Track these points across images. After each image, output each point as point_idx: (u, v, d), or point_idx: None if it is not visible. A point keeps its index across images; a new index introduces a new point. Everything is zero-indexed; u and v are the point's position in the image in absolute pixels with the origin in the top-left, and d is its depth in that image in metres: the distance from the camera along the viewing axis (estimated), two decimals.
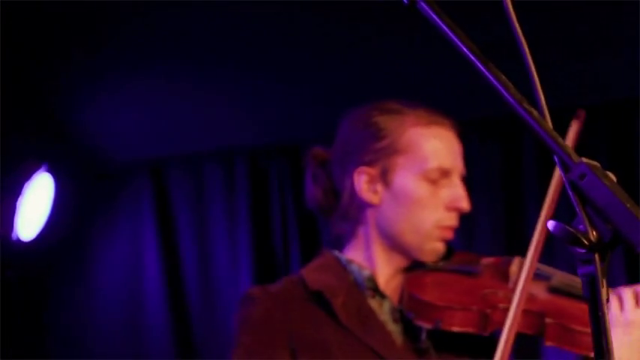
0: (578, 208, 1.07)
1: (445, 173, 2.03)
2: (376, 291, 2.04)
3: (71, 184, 4.42)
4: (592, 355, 1.87)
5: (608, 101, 4.16)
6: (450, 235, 2.05)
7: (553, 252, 3.98)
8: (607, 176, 1.07)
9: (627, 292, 1.92)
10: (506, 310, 1.92)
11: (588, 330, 1.89)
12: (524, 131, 4.35)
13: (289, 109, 4.30)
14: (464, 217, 4.01)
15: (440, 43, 1.19)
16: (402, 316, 2.02)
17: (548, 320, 1.95)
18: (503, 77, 1.18)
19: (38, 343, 4.54)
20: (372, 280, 2.04)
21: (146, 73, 3.95)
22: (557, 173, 1.96)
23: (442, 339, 1.98)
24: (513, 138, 4.38)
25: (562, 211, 4.02)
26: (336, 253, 2.11)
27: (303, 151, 4.60)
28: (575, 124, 2.02)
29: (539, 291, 2.03)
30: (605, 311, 1.06)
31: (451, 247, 2.10)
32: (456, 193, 2.03)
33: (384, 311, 2.03)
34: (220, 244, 4.64)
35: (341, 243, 2.12)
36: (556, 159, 1.12)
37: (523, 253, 2.04)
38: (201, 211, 4.67)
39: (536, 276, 2.02)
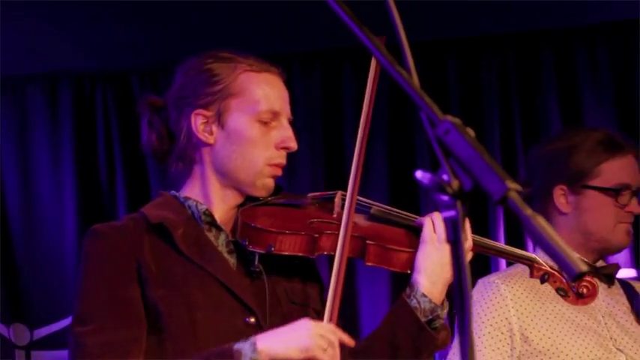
0: (443, 160, 1.20)
1: (275, 115, 2.18)
2: (212, 224, 2.18)
3: None
4: (406, 271, 2.15)
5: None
6: (279, 172, 2.19)
7: (368, 185, 4.19)
8: (467, 132, 1.21)
9: (438, 215, 2.15)
10: (331, 236, 2.11)
11: (402, 248, 2.15)
12: (343, 64, 4.52)
13: (116, 35, 4.28)
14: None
15: None
16: (236, 247, 2.16)
17: (369, 242, 2.15)
18: (376, 40, 1.29)
19: None
20: (209, 214, 2.18)
21: None
22: (366, 112, 2.15)
23: (273, 263, 2.15)
24: (333, 71, 4.53)
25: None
26: (174, 192, 2.23)
27: (129, 78, 4.64)
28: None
29: (360, 220, 2.23)
30: (464, 252, 1.21)
31: (280, 186, 2.26)
32: (285, 134, 2.18)
33: (219, 243, 2.17)
34: (43, 169, 4.61)
35: (178, 183, 2.25)
36: (422, 115, 1.25)
37: (342, 186, 2.23)
38: (23, 135, 4.61)
39: (357, 207, 2.20)
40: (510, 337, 2.60)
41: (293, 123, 2.23)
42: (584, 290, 2.28)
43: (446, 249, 2.11)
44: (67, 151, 4.59)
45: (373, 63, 2.19)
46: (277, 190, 2.24)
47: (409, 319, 2.12)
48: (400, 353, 2.12)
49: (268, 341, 1.95)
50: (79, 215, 4.52)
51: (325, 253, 2.14)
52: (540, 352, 2.59)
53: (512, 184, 1.15)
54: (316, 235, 2.12)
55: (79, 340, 2.03)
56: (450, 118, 1.22)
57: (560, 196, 2.72)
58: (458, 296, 1.20)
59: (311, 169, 4.41)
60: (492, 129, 4.37)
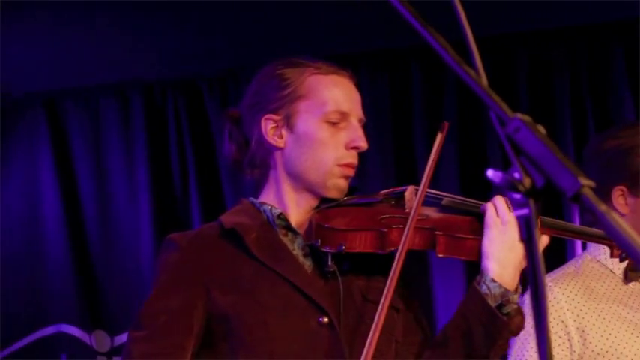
0: (514, 159, 1.19)
1: (343, 116, 2.19)
2: (288, 228, 2.20)
3: None
4: (476, 259, 2.13)
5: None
6: (350, 172, 2.21)
7: (439, 183, 4.18)
8: (538, 129, 1.20)
9: (500, 199, 2.14)
10: (401, 230, 2.10)
11: (470, 236, 2.13)
12: (411, 63, 4.51)
13: (185, 43, 4.33)
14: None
15: None
16: (311, 250, 2.17)
17: (437, 233, 2.14)
18: (442, 39, 1.29)
19: None
20: (283, 217, 2.20)
21: (39, 6, 3.93)
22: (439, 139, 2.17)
23: (351, 262, 2.16)
24: (401, 70, 4.52)
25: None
26: (251, 199, 2.27)
27: (199, 85, 4.71)
28: (440, 136, 2.19)
29: (432, 212, 2.22)
30: (539, 248, 1.19)
31: (354, 188, 2.27)
32: (354, 134, 2.19)
33: (295, 247, 2.18)
34: (118, 178, 4.68)
35: (256, 190, 2.28)
36: (492, 114, 1.24)
37: (413, 182, 2.24)
38: (98, 145, 4.70)
39: (429, 200, 2.22)
40: (568, 340, 2.54)
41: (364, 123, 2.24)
42: None
43: (512, 231, 2.10)
44: (141, 159, 4.67)
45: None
46: (352, 191, 2.26)
47: (480, 305, 2.10)
48: (474, 341, 2.10)
49: None
50: (154, 222, 4.58)
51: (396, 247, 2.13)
52: (599, 354, 2.53)
53: (585, 181, 1.13)
54: (385, 230, 2.12)
55: (129, 345, 2.12)
56: (519, 115, 1.21)
57: (619, 197, 2.64)
58: (533, 296, 1.19)
59: (381, 169, 4.41)
60: (564, 125, 4.32)
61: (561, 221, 2.31)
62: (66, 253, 4.64)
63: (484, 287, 2.10)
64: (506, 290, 2.10)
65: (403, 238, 2.06)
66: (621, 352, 2.52)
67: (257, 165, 2.25)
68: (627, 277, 2.64)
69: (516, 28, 4.39)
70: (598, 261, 2.67)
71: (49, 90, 4.70)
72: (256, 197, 2.26)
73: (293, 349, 2.07)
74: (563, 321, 2.55)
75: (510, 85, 4.37)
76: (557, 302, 2.57)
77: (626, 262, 2.61)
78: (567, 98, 4.35)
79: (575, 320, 2.55)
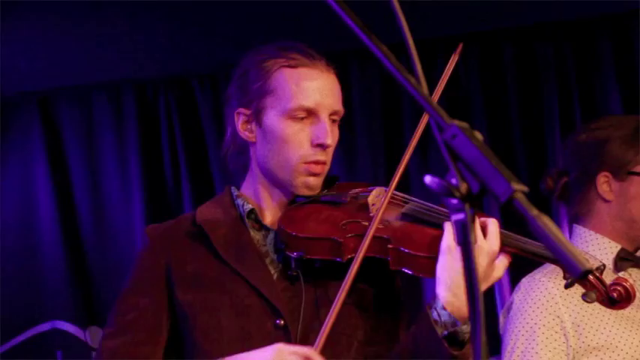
0: (451, 164, 1.21)
1: (309, 112, 2.14)
2: (260, 223, 2.18)
3: None
4: (430, 277, 2.02)
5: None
6: (317, 169, 2.15)
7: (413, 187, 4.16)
8: (475, 136, 1.22)
9: (494, 222, 2.01)
10: (358, 238, 2.04)
11: (423, 254, 2.02)
12: (400, 60, 4.51)
13: (176, 41, 4.35)
14: (345, 146, 4.14)
15: None
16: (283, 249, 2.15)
17: (389, 245, 2.06)
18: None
19: None
20: (254, 212, 2.18)
21: (32, 7, 3.95)
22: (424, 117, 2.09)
23: (310, 266, 2.12)
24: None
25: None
26: (233, 188, 2.25)
27: (190, 82, 4.72)
28: (454, 57, 2.12)
29: (394, 218, 2.14)
30: (474, 253, 1.21)
31: (334, 177, 2.24)
32: (319, 131, 2.13)
33: (267, 242, 2.17)
34: (111, 175, 4.71)
35: (240, 179, 2.26)
36: (431, 121, 1.27)
37: (402, 182, 2.16)
38: (91, 143, 4.72)
39: (395, 203, 2.15)
40: (564, 334, 2.53)
41: (349, 118, 2.20)
42: (615, 294, 2.05)
43: None
44: (133, 155, 4.70)
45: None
46: (332, 181, 2.23)
47: (428, 331, 2.00)
48: None
49: None
50: (147, 217, 4.60)
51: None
52: (595, 348, 2.52)
53: (518, 186, 1.16)
54: (342, 239, 2.07)
55: (101, 341, 2.16)
56: (457, 122, 1.24)
57: (604, 184, 2.66)
58: (470, 301, 1.20)
59: (372, 165, 4.41)
60: (552, 120, 4.34)
61: (527, 240, 2.05)
62: (60, 250, 4.67)
63: (434, 313, 2.00)
64: (456, 320, 1.98)
65: (361, 247, 1.99)
66: (616, 346, 2.53)
67: (238, 155, 2.23)
68: (617, 267, 2.65)
69: (504, 23, 4.39)
70: (587, 253, 2.67)
71: (42, 89, 4.73)
72: (239, 186, 2.24)
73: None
74: (559, 316, 2.55)
75: (498, 81, 4.38)
76: (552, 297, 2.56)
77: (619, 250, 2.63)
78: (555, 93, 4.36)
79: (570, 315, 2.55)
